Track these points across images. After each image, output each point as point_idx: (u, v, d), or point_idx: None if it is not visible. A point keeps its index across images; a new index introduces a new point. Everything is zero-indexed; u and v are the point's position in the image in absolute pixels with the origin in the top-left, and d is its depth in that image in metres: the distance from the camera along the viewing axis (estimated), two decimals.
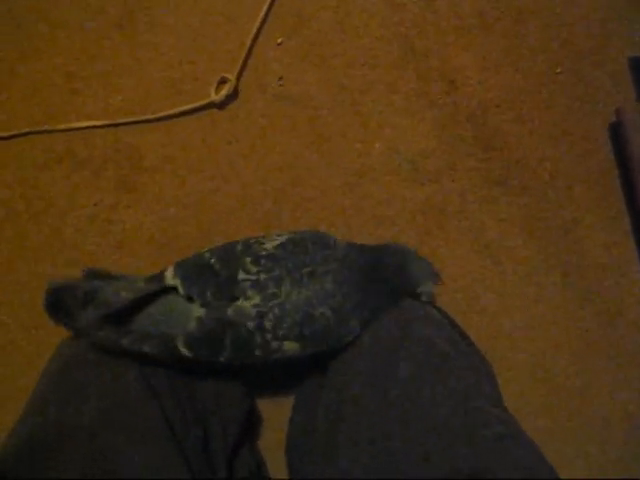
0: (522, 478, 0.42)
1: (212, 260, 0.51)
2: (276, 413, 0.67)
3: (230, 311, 0.49)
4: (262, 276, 0.49)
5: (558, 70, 0.70)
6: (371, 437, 0.47)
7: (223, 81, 0.69)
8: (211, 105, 0.69)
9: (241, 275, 0.50)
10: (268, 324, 0.49)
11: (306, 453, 0.57)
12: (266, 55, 0.71)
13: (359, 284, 0.52)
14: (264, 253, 0.51)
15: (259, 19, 0.69)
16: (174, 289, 0.51)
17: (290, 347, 0.50)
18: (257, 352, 0.50)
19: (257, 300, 0.49)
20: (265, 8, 0.69)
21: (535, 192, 0.70)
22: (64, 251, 0.70)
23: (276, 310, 0.49)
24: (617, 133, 0.69)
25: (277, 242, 0.52)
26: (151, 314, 0.51)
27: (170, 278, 0.51)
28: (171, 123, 0.70)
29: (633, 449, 0.68)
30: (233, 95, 0.70)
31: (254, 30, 0.69)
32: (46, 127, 0.70)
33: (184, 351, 0.49)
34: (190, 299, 0.50)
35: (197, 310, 0.50)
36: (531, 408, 0.68)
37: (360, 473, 0.46)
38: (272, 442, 0.66)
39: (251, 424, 0.65)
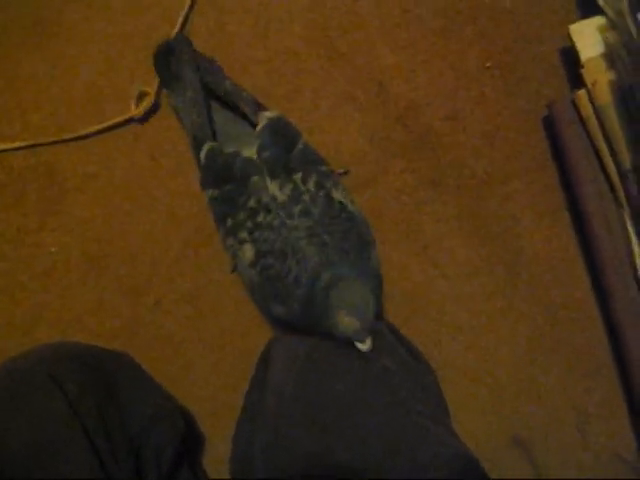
0: None
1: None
2: (219, 428, 0.66)
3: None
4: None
5: (488, 64, 0.69)
6: (307, 453, 0.47)
7: (143, 95, 0.67)
8: (132, 120, 0.67)
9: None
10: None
11: (249, 471, 0.57)
12: None
13: None
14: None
15: (177, 26, 0.67)
16: None
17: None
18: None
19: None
20: (183, 14, 0.67)
21: (471, 191, 0.69)
22: None
23: None
24: (550, 127, 0.68)
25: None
26: None
27: None
28: (92, 140, 0.68)
29: (584, 446, 0.67)
30: (154, 108, 0.67)
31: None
32: None
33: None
34: None
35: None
36: (478, 407, 0.67)
37: None
38: (216, 458, 0.65)
39: (194, 442, 0.64)
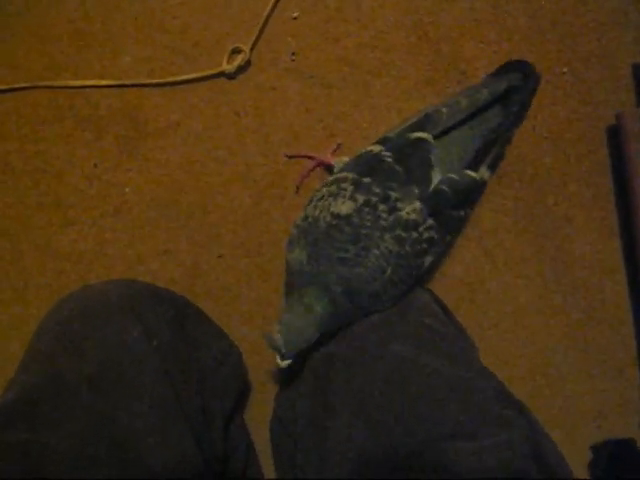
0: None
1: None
2: (263, 386, 0.68)
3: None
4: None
5: (564, 70, 0.72)
6: (361, 405, 0.48)
7: (236, 51, 0.68)
8: (222, 74, 0.69)
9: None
10: None
11: (288, 434, 0.58)
12: (281, 28, 0.70)
13: None
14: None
15: None
16: None
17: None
18: None
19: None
20: None
21: (531, 187, 0.72)
22: (59, 211, 0.69)
23: None
24: (615, 136, 0.71)
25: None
26: None
27: None
28: (179, 89, 0.69)
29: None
30: (245, 66, 0.69)
31: (271, 2, 0.68)
32: (50, 83, 0.68)
33: None
34: None
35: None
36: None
37: (353, 444, 0.46)
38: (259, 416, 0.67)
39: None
